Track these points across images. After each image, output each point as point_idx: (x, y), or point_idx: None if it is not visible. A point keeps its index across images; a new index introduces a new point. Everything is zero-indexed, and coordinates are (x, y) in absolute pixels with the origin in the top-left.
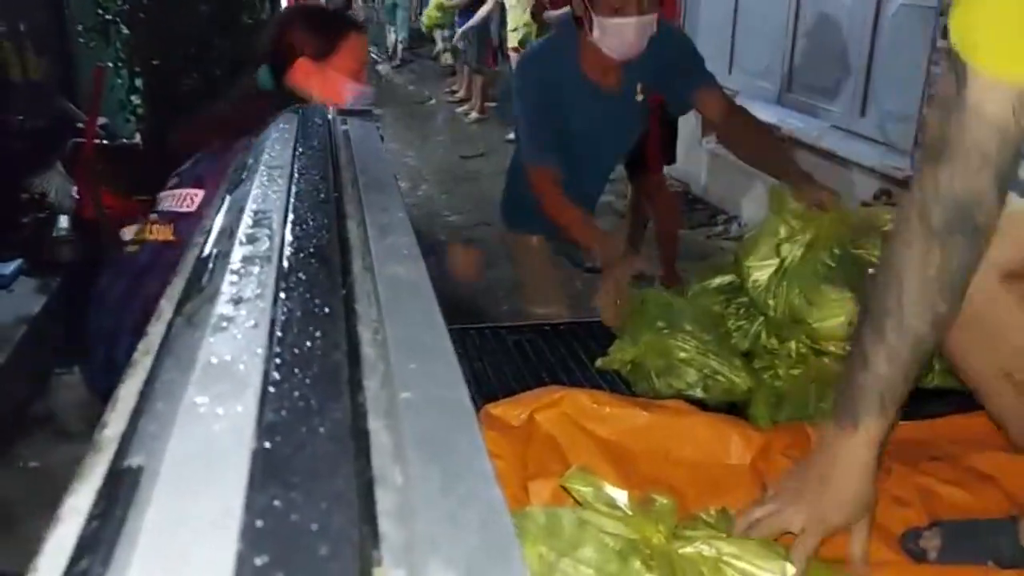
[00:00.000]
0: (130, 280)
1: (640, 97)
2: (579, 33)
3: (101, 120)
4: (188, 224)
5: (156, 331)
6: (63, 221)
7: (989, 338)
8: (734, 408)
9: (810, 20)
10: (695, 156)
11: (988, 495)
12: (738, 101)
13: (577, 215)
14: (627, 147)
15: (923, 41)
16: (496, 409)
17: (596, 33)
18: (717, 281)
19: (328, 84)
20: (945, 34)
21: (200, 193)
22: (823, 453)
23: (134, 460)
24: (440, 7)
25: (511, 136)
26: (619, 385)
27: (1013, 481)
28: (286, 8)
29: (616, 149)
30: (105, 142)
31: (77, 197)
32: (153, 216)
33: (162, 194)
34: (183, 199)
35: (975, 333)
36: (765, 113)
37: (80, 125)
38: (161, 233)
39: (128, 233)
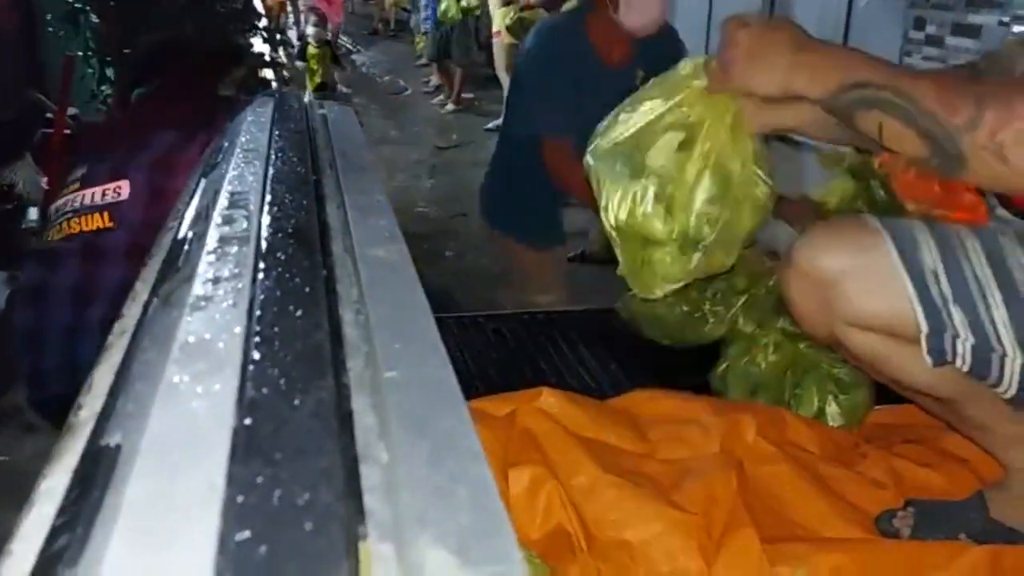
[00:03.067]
0: (78, 272)
1: (638, 82)
2: (591, 12)
3: (71, 110)
4: (126, 210)
5: (131, 312)
6: (32, 212)
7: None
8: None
9: (784, 11)
10: None
11: (960, 476)
12: None
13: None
14: None
15: (895, 33)
16: (477, 404)
17: (623, 7)
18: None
19: None
20: (918, 25)
21: (124, 183)
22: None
23: (111, 439)
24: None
25: (489, 126)
26: (599, 372)
27: (984, 463)
28: None
29: None
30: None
31: (46, 188)
32: (66, 214)
33: (67, 199)
34: (103, 193)
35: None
36: None
37: (49, 116)
38: (91, 223)
39: (53, 231)
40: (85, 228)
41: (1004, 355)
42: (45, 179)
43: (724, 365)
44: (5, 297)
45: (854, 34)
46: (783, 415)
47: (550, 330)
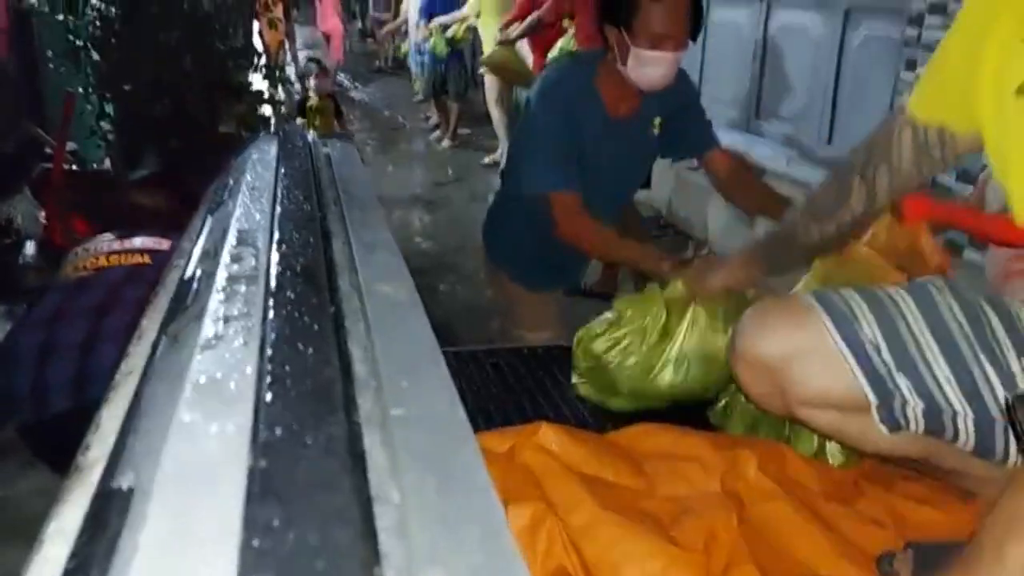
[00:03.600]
0: (103, 293)
1: (656, 131)
2: (600, 61)
3: (70, 146)
4: (165, 256)
5: (138, 351)
6: (30, 247)
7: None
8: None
9: (777, 50)
10: (666, 182)
11: (961, 513)
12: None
13: (629, 244)
14: (640, 179)
15: (888, 72)
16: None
17: (631, 63)
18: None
19: None
20: (909, 66)
21: (166, 242)
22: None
23: (124, 480)
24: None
25: (485, 161)
26: (596, 407)
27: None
28: None
29: (629, 180)
30: (74, 168)
31: (44, 223)
32: (102, 253)
33: (104, 243)
34: (143, 242)
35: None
36: (733, 140)
37: (48, 151)
38: (129, 260)
39: (71, 268)
40: (123, 262)
41: (955, 413)
42: (43, 213)
43: (723, 400)
44: (5, 330)
45: (846, 74)
46: (783, 451)
47: (548, 364)
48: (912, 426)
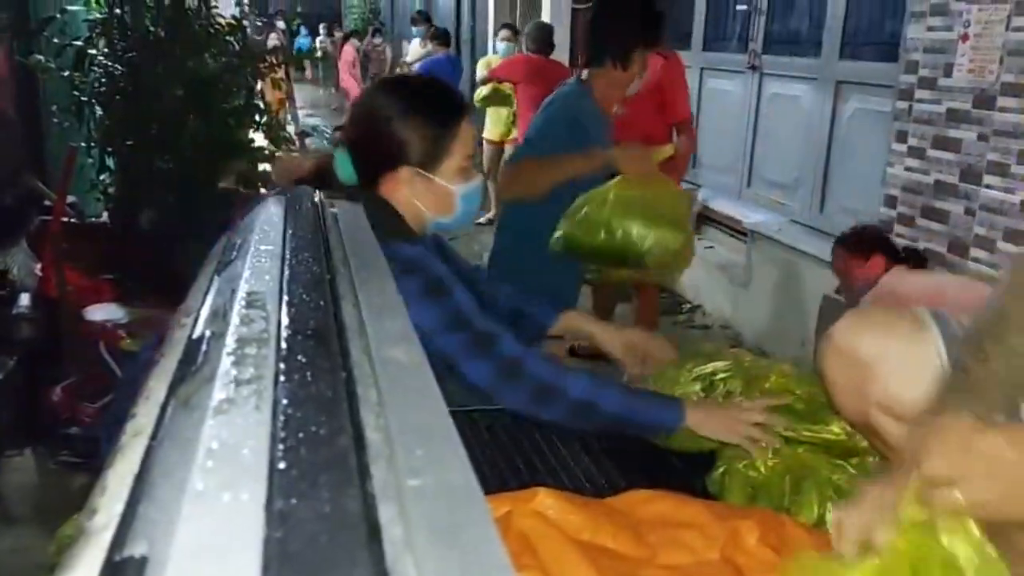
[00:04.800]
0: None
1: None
2: (591, 78)
3: (70, 199)
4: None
5: (146, 412)
6: (24, 299)
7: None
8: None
9: (770, 118)
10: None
11: None
12: (701, 194)
13: (566, 156)
14: None
15: (879, 143)
16: None
17: (638, 68)
18: (696, 370)
19: (437, 197)
20: (900, 139)
21: None
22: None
23: (136, 549)
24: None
25: (480, 220)
26: (593, 471)
27: None
28: (389, 83)
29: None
30: (73, 220)
31: (40, 275)
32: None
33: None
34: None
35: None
36: (726, 205)
37: (48, 203)
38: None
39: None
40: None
41: None
42: (39, 266)
43: (721, 468)
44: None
45: (837, 145)
46: (783, 521)
47: (545, 426)
48: None
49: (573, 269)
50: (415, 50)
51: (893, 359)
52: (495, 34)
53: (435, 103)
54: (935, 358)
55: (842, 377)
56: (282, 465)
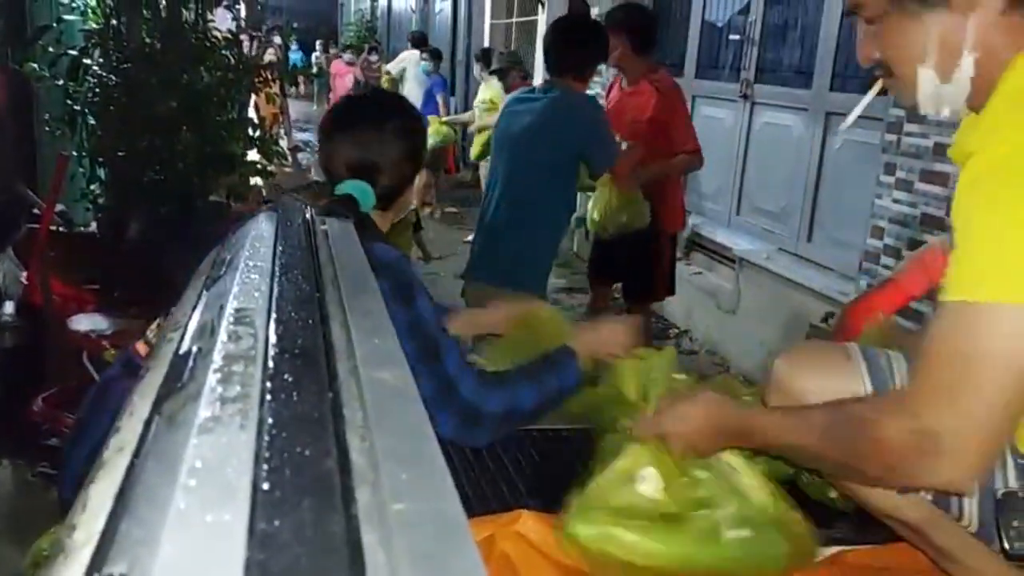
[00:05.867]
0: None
1: None
2: (556, 85)
3: (59, 208)
4: None
5: (129, 426)
6: (8, 307)
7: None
8: None
9: (760, 147)
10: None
11: None
12: (691, 221)
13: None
14: None
15: (868, 175)
16: None
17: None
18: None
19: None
20: (889, 171)
21: None
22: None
23: (116, 568)
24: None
25: (469, 239)
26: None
27: None
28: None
29: None
30: (61, 229)
31: (25, 283)
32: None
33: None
34: None
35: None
36: (716, 232)
37: (37, 211)
38: None
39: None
40: None
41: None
42: (25, 274)
43: None
44: None
45: (827, 175)
46: None
47: (528, 448)
48: (923, 491)
49: (545, 273)
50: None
51: (822, 392)
52: (478, 60)
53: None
54: (863, 389)
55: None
56: (266, 486)
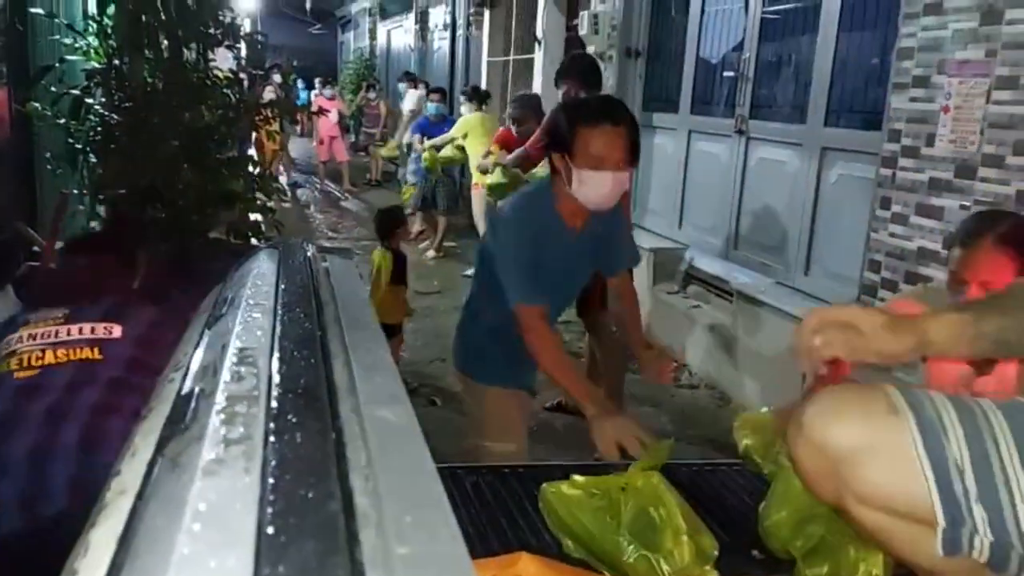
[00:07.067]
0: (56, 396)
1: (590, 247)
2: (554, 182)
3: (59, 245)
4: (117, 348)
5: (132, 468)
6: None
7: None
8: None
9: (756, 182)
10: (644, 303)
11: None
12: (688, 254)
13: (574, 375)
14: (587, 278)
15: (863, 208)
16: None
17: (575, 184)
18: None
19: None
20: (884, 205)
21: (117, 327)
22: None
23: None
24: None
25: (468, 272)
26: None
27: None
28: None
29: (580, 279)
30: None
31: None
32: (56, 339)
33: (47, 330)
34: (95, 330)
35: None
36: (713, 266)
37: (36, 248)
38: (81, 353)
39: (15, 362)
40: (72, 358)
41: None
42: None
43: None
44: None
45: (822, 209)
46: None
47: (528, 484)
48: (975, 555)
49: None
50: (409, 101)
51: (873, 453)
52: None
53: None
54: (910, 447)
55: (815, 466)
56: (270, 530)
